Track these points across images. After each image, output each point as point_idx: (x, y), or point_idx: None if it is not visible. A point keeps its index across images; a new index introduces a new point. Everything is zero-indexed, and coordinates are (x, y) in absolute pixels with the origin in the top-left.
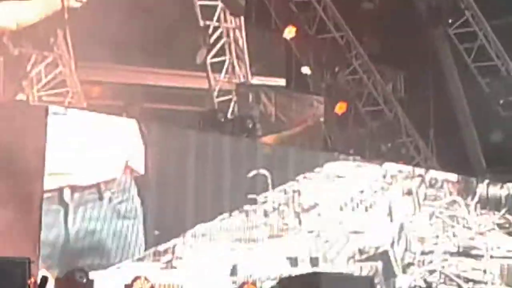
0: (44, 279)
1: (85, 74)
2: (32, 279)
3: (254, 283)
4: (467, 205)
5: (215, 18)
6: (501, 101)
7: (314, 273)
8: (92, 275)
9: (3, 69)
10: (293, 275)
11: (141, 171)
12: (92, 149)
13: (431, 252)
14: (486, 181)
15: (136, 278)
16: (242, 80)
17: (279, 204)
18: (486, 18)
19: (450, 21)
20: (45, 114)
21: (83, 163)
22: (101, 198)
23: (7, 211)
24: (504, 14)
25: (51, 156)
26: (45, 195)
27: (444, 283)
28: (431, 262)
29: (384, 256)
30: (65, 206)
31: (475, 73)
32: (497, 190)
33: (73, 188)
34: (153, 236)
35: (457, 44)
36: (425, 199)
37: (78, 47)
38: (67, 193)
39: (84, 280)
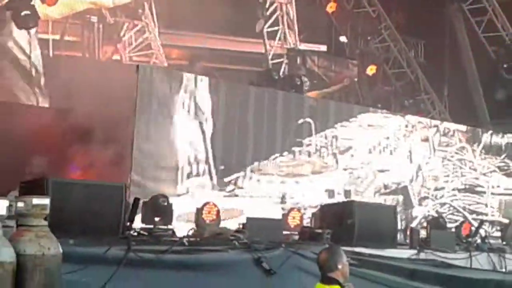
0: (137, 200)
1: (166, 39)
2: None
3: (299, 209)
4: (473, 151)
5: None
6: (505, 66)
7: (349, 201)
8: (171, 200)
9: (102, 35)
10: (331, 203)
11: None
12: (170, 101)
13: (442, 188)
14: (490, 131)
15: (206, 203)
16: (292, 46)
17: (321, 147)
18: None
19: None
20: (136, 70)
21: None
22: None
23: (105, 148)
24: None
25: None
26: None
27: (452, 214)
28: (442, 196)
29: (404, 191)
30: None
31: (484, 42)
32: (499, 139)
33: None
34: (220, 170)
35: (469, 18)
36: (439, 145)
37: (161, 17)
38: None
39: (166, 204)
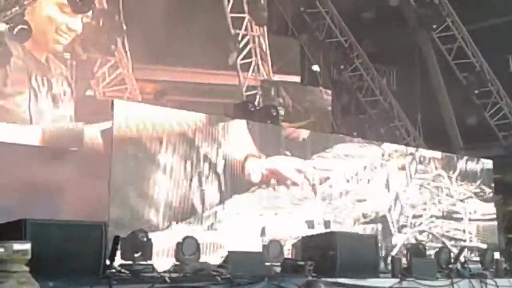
0: (117, 238)
1: (140, 74)
2: None
3: (278, 241)
4: (449, 178)
5: (243, 27)
6: (476, 92)
7: (331, 232)
8: (150, 235)
9: (75, 71)
10: (312, 234)
11: None
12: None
13: (420, 216)
14: (465, 157)
15: (186, 237)
16: (265, 77)
17: (299, 178)
18: (464, 24)
19: (434, 26)
20: (111, 106)
21: None
22: None
23: (82, 185)
24: (478, 21)
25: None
26: None
27: (431, 241)
28: (421, 224)
29: (383, 219)
30: None
31: (454, 69)
32: (474, 165)
33: None
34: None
35: (439, 45)
36: (415, 173)
37: (134, 53)
38: None
39: (145, 239)
